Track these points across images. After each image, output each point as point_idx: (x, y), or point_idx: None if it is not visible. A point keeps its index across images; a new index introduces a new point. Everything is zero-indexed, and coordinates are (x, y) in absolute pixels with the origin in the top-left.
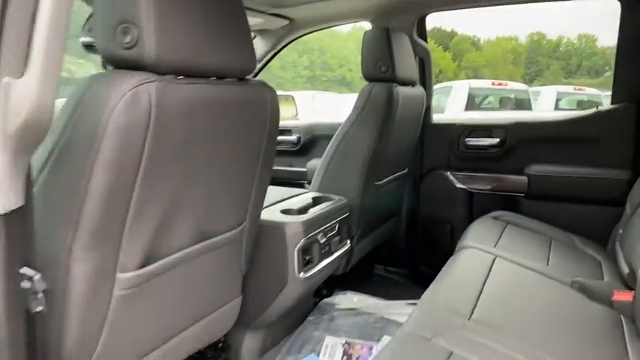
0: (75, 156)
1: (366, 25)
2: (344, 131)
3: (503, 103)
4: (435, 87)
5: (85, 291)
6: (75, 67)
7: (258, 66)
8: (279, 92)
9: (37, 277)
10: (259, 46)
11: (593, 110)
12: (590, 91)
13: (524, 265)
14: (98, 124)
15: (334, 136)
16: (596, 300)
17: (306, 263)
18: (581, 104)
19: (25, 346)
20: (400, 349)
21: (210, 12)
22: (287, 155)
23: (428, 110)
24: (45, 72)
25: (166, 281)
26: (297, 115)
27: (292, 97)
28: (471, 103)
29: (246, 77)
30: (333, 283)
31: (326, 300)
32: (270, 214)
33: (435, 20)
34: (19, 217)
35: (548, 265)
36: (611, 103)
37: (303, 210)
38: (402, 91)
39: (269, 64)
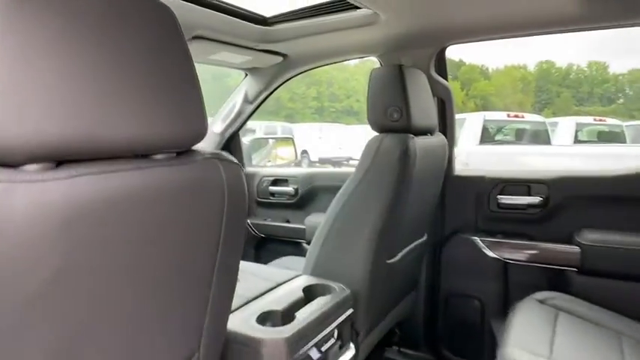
0: None
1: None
2: (347, 194)
3: (520, 135)
4: None
5: None
6: None
7: (251, 107)
8: (282, 124)
9: None
10: (251, 85)
11: None
12: (610, 122)
13: None
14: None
15: (335, 199)
16: None
17: None
18: (602, 135)
19: None
20: None
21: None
22: (283, 208)
23: (450, 161)
24: None
25: None
26: (296, 158)
27: (292, 138)
28: (486, 135)
29: (193, 148)
30: None
31: None
32: (241, 322)
33: None
34: None
35: None
36: None
37: (289, 312)
38: (419, 142)
39: (277, 97)
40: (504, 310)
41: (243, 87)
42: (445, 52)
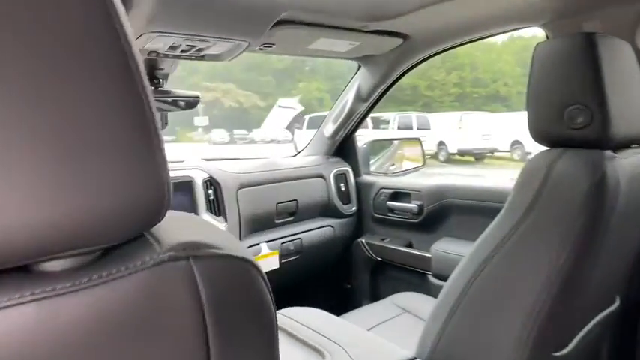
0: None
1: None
2: (493, 244)
3: None
4: None
5: None
6: (243, 98)
7: (366, 105)
8: (418, 114)
9: None
10: (365, 79)
11: None
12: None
13: None
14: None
15: (473, 248)
16: None
17: None
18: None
19: None
20: None
21: None
22: (405, 229)
23: None
24: None
25: None
26: (424, 164)
27: (419, 139)
28: None
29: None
30: None
31: None
32: None
33: None
34: None
35: None
36: None
37: None
38: (624, 164)
39: (413, 85)
40: None
41: (356, 81)
42: None
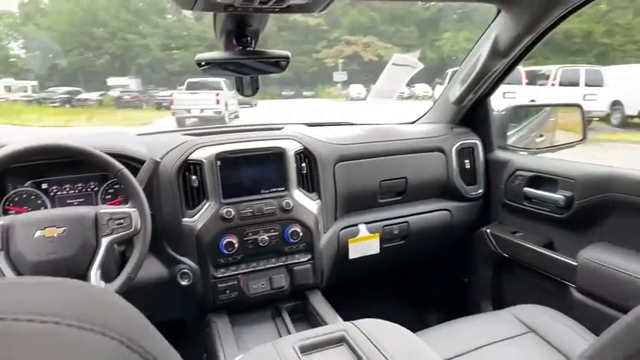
0: None
1: None
2: None
3: None
4: None
5: None
6: (384, 51)
7: (505, 62)
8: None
9: None
10: (505, 29)
11: None
12: None
13: None
14: None
15: None
16: None
17: None
18: None
19: None
20: None
21: None
22: (544, 224)
23: None
24: None
25: None
26: (583, 138)
27: (579, 106)
28: None
29: None
30: None
31: None
32: None
33: None
34: None
35: None
36: None
37: None
38: None
39: (586, 32)
40: None
41: (493, 32)
42: None
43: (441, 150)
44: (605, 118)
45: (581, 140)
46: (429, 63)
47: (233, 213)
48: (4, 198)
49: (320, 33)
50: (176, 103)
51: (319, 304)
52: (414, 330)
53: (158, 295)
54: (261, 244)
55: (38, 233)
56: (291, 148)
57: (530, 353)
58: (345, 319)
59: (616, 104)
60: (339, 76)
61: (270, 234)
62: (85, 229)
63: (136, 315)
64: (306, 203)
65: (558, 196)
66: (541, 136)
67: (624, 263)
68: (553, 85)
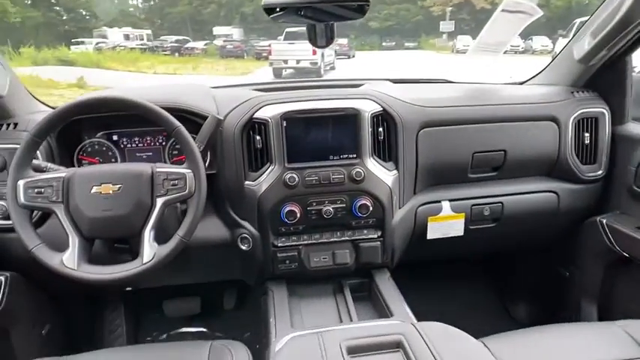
0: None
1: None
2: None
3: None
4: None
5: None
6: None
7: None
8: None
9: None
10: None
11: None
12: None
13: None
14: None
15: None
16: None
17: None
18: None
19: None
20: None
21: None
22: None
23: None
24: None
25: None
26: None
27: None
28: None
29: None
30: None
31: None
32: None
33: None
34: None
35: None
36: None
37: None
38: None
39: None
40: None
41: None
42: None
43: (554, 119)
44: None
45: None
46: (551, 10)
47: (297, 179)
48: (79, 147)
49: None
50: (274, 53)
51: (386, 285)
52: (497, 325)
53: (220, 257)
54: (325, 216)
55: (94, 189)
56: (368, 109)
57: None
58: (414, 306)
59: None
60: (446, 25)
61: (336, 205)
62: (140, 188)
63: None
64: (379, 174)
65: None
66: None
67: None
68: None
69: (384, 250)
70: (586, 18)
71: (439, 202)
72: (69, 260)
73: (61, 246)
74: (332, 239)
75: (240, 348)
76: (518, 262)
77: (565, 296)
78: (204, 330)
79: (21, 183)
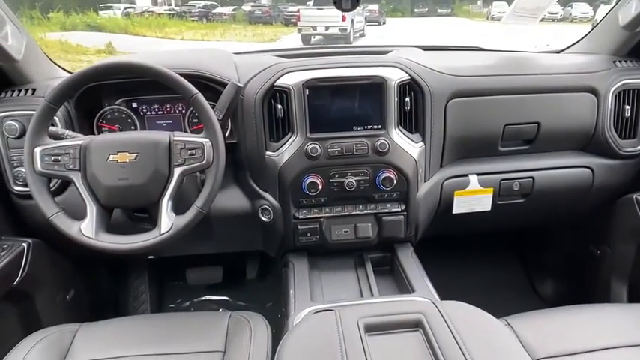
0: None
1: None
2: None
3: None
4: None
5: None
6: None
7: None
8: None
9: None
10: None
11: None
12: None
13: None
14: None
15: None
16: None
17: None
18: None
19: None
20: None
21: None
22: None
23: None
24: None
25: None
26: None
27: None
28: None
29: None
30: None
31: None
32: None
33: None
34: None
35: None
36: None
37: None
38: None
39: None
40: None
41: None
42: None
43: (592, 90)
44: None
45: None
46: None
47: (319, 150)
48: (99, 114)
49: None
50: (303, 19)
51: (408, 260)
52: (522, 303)
53: (241, 228)
54: (347, 189)
55: (111, 157)
56: (395, 77)
57: None
58: (436, 282)
59: None
60: None
61: (359, 178)
62: (157, 157)
63: None
64: (405, 146)
65: None
66: None
67: None
68: None
69: (408, 224)
70: None
71: (466, 176)
72: (87, 229)
73: (81, 214)
74: (354, 212)
75: (259, 320)
76: (546, 239)
77: (594, 275)
78: (227, 299)
79: (37, 150)
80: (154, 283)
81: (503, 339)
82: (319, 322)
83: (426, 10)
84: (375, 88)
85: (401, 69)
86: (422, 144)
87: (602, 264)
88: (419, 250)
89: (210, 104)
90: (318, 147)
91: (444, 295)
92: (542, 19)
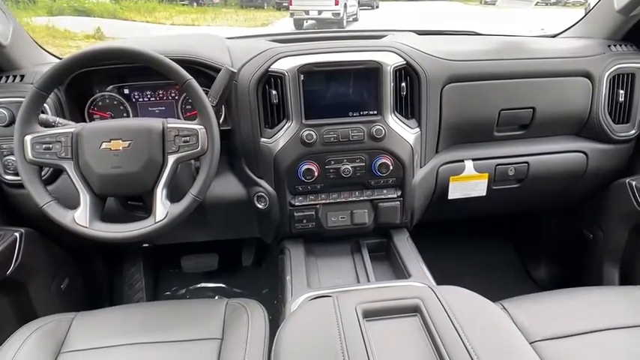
0: None
1: None
2: None
3: None
4: None
5: None
6: None
7: None
8: None
9: None
10: None
11: None
12: None
13: None
14: None
15: None
16: None
17: None
18: None
19: None
20: None
21: None
22: None
23: None
24: None
25: None
26: None
27: None
28: None
29: None
30: None
31: None
32: None
33: None
34: None
35: None
36: None
37: None
38: None
39: None
40: None
41: None
42: None
43: (587, 75)
44: None
45: None
46: None
47: (315, 137)
48: (89, 101)
49: None
50: (295, 3)
51: (404, 246)
52: (517, 287)
53: (237, 215)
54: (343, 175)
55: (104, 145)
56: (390, 62)
57: None
58: (432, 267)
59: None
60: None
61: (355, 164)
62: (151, 144)
63: None
64: (401, 132)
65: None
66: None
67: None
68: None
69: (404, 210)
70: None
71: (462, 161)
72: (81, 218)
73: (73, 203)
74: (350, 199)
75: (256, 306)
76: (540, 224)
77: (587, 259)
78: (223, 286)
79: (28, 138)
80: (149, 271)
81: (499, 323)
82: (317, 308)
83: None
84: (370, 73)
85: (397, 54)
86: (418, 129)
87: (595, 248)
88: (414, 236)
89: (203, 90)
90: (313, 133)
91: (440, 279)
92: (536, 4)
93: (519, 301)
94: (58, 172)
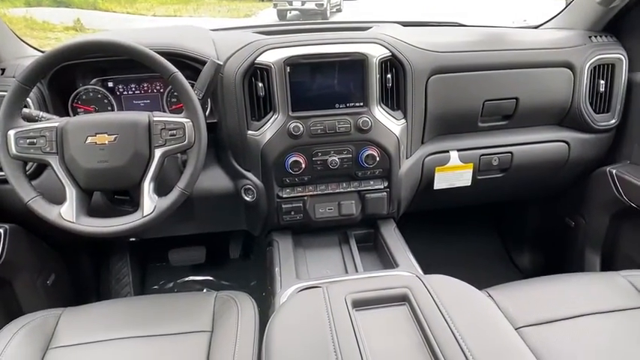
0: None
1: None
2: None
3: None
4: None
5: None
6: None
7: None
8: None
9: None
10: None
11: None
12: None
13: None
14: None
15: None
16: None
17: None
18: None
19: None
20: None
21: None
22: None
23: None
24: None
25: None
26: None
27: None
28: None
29: None
30: None
31: None
32: None
33: None
34: None
35: None
36: None
37: None
38: None
39: None
40: None
41: None
42: None
43: (569, 65)
44: None
45: None
46: None
47: (302, 129)
48: (73, 95)
49: None
50: None
51: (391, 236)
52: (501, 275)
53: (224, 208)
54: (331, 167)
55: (89, 139)
56: (376, 54)
57: None
58: (419, 256)
59: None
60: None
61: (342, 156)
62: (137, 138)
63: None
64: (387, 123)
65: None
66: None
67: None
68: None
69: (390, 201)
70: None
71: (447, 152)
72: (67, 213)
73: (59, 198)
74: (337, 190)
75: (246, 299)
76: (524, 212)
77: (569, 246)
78: (211, 278)
79: (11, 133)
80: (136, 265)
81: (485, 310)
82: (307, 299)
83: None
84: (356, 64)
85: (382, 45)
86: (403, 121)
87: (577, 235)
88: (401, 226)
89: (189, 83)
90: (300, 125)
91: (427, 268)
92: None
93: (504, 289)
94: (42, 167)
